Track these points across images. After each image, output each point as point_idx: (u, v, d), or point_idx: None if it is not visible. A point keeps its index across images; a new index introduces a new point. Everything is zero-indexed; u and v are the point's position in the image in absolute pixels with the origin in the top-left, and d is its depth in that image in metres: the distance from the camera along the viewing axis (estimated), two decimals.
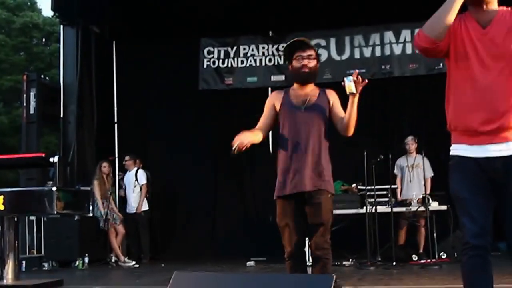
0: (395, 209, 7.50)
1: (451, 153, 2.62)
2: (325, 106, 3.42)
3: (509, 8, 2.57)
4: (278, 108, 3.46)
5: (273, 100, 3.53)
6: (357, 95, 3.22)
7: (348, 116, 3.30)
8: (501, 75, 2.46)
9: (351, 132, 3.36)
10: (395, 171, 8.15)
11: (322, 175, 3.33)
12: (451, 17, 2.47)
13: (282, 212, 3.36)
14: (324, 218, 3.29)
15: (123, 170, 9.46)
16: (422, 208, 7.37)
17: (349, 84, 3.19)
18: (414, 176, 7.98)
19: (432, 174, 7.94)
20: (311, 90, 3.48)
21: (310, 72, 3.44)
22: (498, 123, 2.45)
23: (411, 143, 8.01)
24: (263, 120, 3.52)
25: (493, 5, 2.56)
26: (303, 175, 3.30)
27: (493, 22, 2.50)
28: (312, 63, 3.44)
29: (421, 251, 7.73)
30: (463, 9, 2.55)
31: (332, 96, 3.48)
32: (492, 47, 2.47)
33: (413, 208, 7.53)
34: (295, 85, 3.52)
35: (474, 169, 2.51)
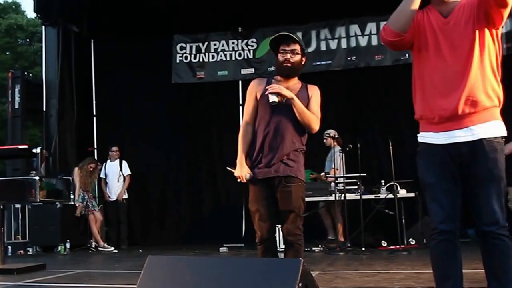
0: (364, 196, 7.28)
1: (419, 140, 2.51)
2: (304, 100, 3.24)
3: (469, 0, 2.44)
4: (258, 97, 3.29)
5: (255, 90, 3.33)
6: (293, 99, 3.12)
7: (298, 117, 3.17)
8: (463, 63, 2.34)
9: (311, 130, 3.23)
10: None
11: (293, 164, 3.18)
12: (414, 9, 2.35)
13: (253, 197, 3.21)
14: (294, 205, 3.15)
15: (101, 161, 9.33)
16: (390, 195, 7.17)
17: (270, 97, 3.13)
18: (328, 167, 7.84)
19: (336, 166, 7.68)
20: (293, 84, 3.30)
21: (292, 67, 3.24)
22: (462, 109, 2.33)
23: (325, 137, 7.80)
24: (249, 112, 3.31)
25: None
26: (274, 162, 3.16)
27: (454, 11, 2.40)
28: (296, 58, 3.23)
29: (338, 238, 7.40)
30: (426, 2, 2.46)
31: (312, 92, 3.30)
32: (454, 36, 2.36)
33: (382, 195, 7.35)
34: (279, 77, 3.33)
35: (441, 155, 2.39)
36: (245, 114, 3.33)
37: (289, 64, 3.22)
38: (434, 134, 2.42)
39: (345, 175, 7.41)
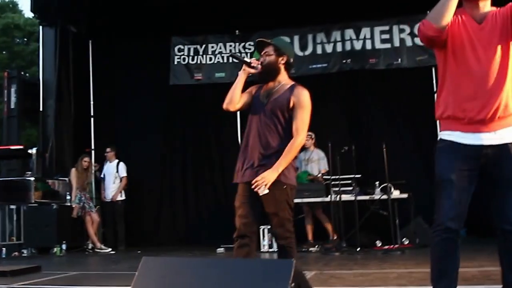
0: (359, 197, 7.39)
1: (442, 137, 2.55)
2: (283, 105, 3.17)
3: (498, 8, 2.55)
4: (251, 99, 3.32)
5: (252, 90, 3.36)
6: (280, 170, 3.05)
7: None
8: (496, 68, 2.43)
9: (297, 152, 3.21)
10: (297, 163, 8.10)
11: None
12: (453, 5, 2.40)
13: (239, 193, 3.19)
14: (276, 209, 3.08)
15: (99, 162, 9.36)
16: (384, 196, 7.26)
17: (260, 192, 3.05)
18: (311, 169, 8.04)
19: (327, 168, 7.85)
20: (280, 86, 3.25)
21: (265, 70, 3.23)
22: (492, 113, 2.41)
23: (306, 139, 7.92)
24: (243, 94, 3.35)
25: (486, 3, 2.54)
26: (255, 167, 3.13)
27: (487, 18, 2.49)
28: (267, 59, 3.23)
29: (333, 238, 7.53)
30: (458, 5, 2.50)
31: (297, 99, 3.18)
32: (487, 42, 2.44)
33: (376, 197, 7.42)
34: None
35: (465, 154, 2.45)
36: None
37: (261, 68, 3.24)
38: (461, 134, 2.47)
39: (340, 176, 7.47)
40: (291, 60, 3.33)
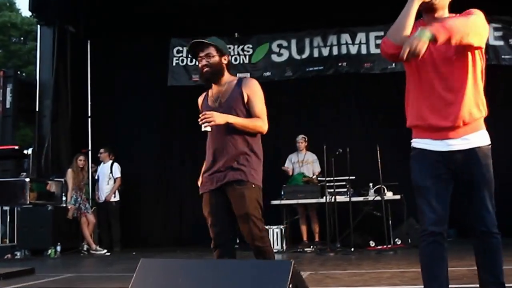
0: (353, 199, 7.48)
1: (414, 145, 2.61)
2: (237, 101, 3.11)
3: (457, 15, 2.56)
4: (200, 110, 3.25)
5: (199, 103, 3.33)
6: (230, 123, 3.01)
7: (243, 129, 3.09)
8: (459, 78, 2.48)
9: (260, 133, 3.17)
10: (286, 164, 8.37)
11: (244, 168, 3.07)
12: (410, 22, 2.45)
13: (204, 203, 3.14)
14: (249, 208, 3.01)
15: (96, 163, 9.30)
16: (378, 198, 7.34)
17: (203, 127, 3.02)
18: (304, 170, 8.19)
19: (320, 170, 8.11)
20: (226, 85, 3.19)
21: (211, 71, 3.15)
22: (457, 121, 2.47)
23: (300, 141, 8.25)
24: None
25: (444, 12, 2.56)
26: (223, 169, 3.07)
27: None
28: (212, 60, 3.15)
29: (316, 240, 7.87)
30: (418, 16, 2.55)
31: (249, 89, 3.14)
32: (449, 53, 2.48)
33: (370, 198, 7.50)
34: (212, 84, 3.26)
35: (436, 160, 2.51)
36: None
37: (208, 69, 3.15)
38: (430, 141, 2.52)
39: (334, 178, 7.53)
40: (230, 58, 3.31)
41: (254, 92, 3.14)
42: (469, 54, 2.49)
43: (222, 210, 3.06)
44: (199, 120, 2.99)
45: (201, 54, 3.16)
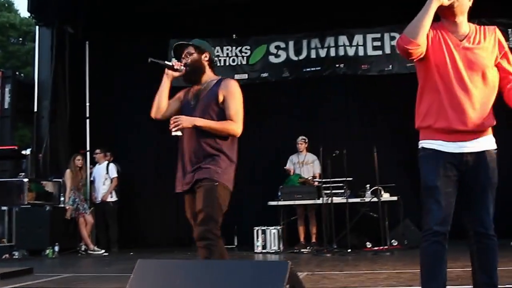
0: (350, 200, 7.49)
1: (424, 145, 2.63)
2: (212, 99, 3.08)
3: (477, 25, 2.64)
4: (180, 105, 3.25)
5: (180, 95, 3.30)
6: (198, 126, 3.00)
7: (214, 133, 3.04)
8: (476, 83, 2.53)
9: (233, 136, 3.09)
10: (288, 165, 8.39)
11: (211, 167, 3.00)
12: (428, 21, 2.49)
13: (186, 206, 3.14)
14: (204, 205, 2.93)
15: (94, 164, 9.29)
16: (375, 199, 7.35)
17: (173, 132, 3.03)
18: (304, 171, 8.24)
19: (320, 171, 8.12)
20: (206, 84, 3.17)
21: (191, 69, 3.16)
22: (472, 125, 2.51)
23: (300, 142, 8.30)
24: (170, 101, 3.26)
25: (464, 18, 2.61)
26: (192, 170, 3.04)
27: (468, 35, 2.58)
28: (191, 57, 3.17)
29: (313, 240, 7.91)
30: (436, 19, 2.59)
31: (225, 90, 3.08)
32: (468, 59, 2.53)
33: (367, 199, 7.51)
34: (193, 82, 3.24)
35: (447, 161, 2.54)
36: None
37: (187, 68, 3.15)
38: (443, 143, 2.55)
39: (331, 179, 7.53)
40: (214, 57, 3.27)
41: (231, 93, 3.08)
42: (489, 61, 2.55)
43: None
44: (170, 127, 2.99)
45: (182, 55, 3.20)
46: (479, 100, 2.52)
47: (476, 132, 2.54)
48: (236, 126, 3.05)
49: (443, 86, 2.54)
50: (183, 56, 3.18)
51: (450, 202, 2.51)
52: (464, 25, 2.60)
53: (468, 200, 2.56)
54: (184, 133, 3.09)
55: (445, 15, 2.60)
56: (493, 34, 2.61)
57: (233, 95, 3.08)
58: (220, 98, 3.07)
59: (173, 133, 3.00)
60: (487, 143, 2.57)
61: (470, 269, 2.59)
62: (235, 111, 3.06)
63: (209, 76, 3.21)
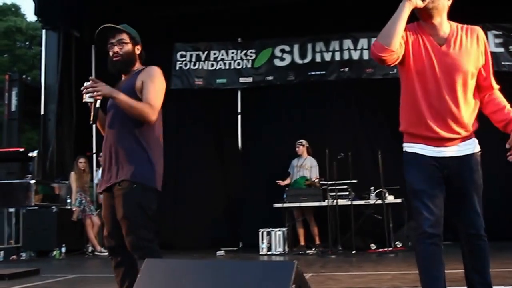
0: (355, 202, 7.51)
1: (407, 149, 2.61)
2: (131, 87, 2.82)
3: (459, 25, 2.56)
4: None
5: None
6: (114, 97, 2.73)
7: (127, 113, 2.77)
8: (455, 89, 2.48)
9: (146, 122, 2.83)
10: (289, 169, 8.39)
11: (128, 165, 2.77)
12: (401, 26, 2.42)
13: (103, 203, 2.94)
14: (125, 212, 2.68)
15: (100, 166, 9.27)
16: (379, 201, 7.37)
17: (84, 96, 2.74)
18: (301, 175, 8.19)
19: (318, 176, 8.13)
20: (131, 73, 2.93)
21: (123, 60, 2.88)
22: (452, 131, 2.50)
23: (297, 146, 8.29)
24: None
25: (442, 19, 2.52)
26: (110, 169, 2.83)
27: (448, 40, 2.51)
28: (125, 48, 2.90)
29: (317, 242, 7.88)
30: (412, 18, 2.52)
31: (144, 75, 2.86)
32: (448, 64, 2.48)
33: (371, 201, 7.53)
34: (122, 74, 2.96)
35: (430, 164, 2.52)
36: None
37: (118, 58, 2.87)
38: (424, 146, 2.53)
39: (336, 181, 7.53)
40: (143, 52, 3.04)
41: (150, 77, 2.85)
42: (470, 67, 2.50)
43: (113, 213, 2.80)
44: (82, 88, 2.72)
45: (112, 40, 2.88)
46: (459, 107, 2.48)
47: (457, 138, 2.52)
48: (151, 110, 2.80)
49: (422, 92, 2.50)
50: (114, 41, 2.88)
51: (438, 203, 2.49)
52: (444, 26, 2.52)
53: (456, 204, 2.55)
54: (105, 131, 2.88)
55: (422, 17, 2.52)
56: (476, 34, 2.54)
57: (151, 80, 2.85)
58: (138, 84, 2.83)
59: (84, 100, 2.68)
60: (469, 147, 2.55)
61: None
62: (153, 96, 2.82)
63: (137, 67, 2.99)
